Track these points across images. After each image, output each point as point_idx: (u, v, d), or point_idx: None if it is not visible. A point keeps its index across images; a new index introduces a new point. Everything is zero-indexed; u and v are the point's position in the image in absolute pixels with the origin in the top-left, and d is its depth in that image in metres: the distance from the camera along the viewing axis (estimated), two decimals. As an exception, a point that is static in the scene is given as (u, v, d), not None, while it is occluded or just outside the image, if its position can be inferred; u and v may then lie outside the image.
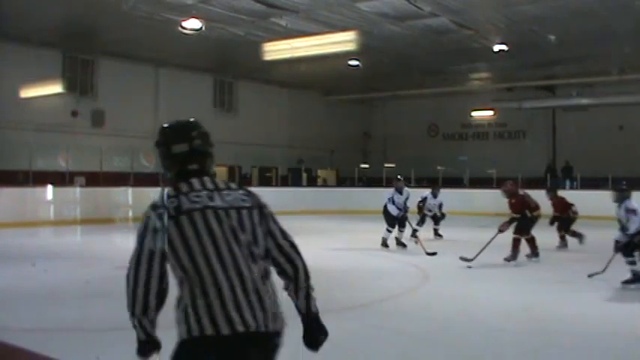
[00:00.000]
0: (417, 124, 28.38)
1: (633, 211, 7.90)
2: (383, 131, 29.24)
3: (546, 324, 5.99)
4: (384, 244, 11.62)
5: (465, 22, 15.96)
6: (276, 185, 24.54)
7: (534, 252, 10.24)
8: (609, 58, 19.49)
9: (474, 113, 26.45)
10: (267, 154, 24.34)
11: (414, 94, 25.82)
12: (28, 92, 17.36)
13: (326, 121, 26.66)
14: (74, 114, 19.08)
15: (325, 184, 26.63)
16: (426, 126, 28.90)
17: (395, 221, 11.55)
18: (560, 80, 23.05)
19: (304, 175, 25.45)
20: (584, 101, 22.68)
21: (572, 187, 21.72)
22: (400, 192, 11.60)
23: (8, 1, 14.48)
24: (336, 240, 13.68)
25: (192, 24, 15.02)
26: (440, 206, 13.63)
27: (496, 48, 18.01)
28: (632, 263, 7.87)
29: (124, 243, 12.63)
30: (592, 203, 19.75)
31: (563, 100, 23.85)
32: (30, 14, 15.29)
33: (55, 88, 18.44)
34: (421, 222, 13.28)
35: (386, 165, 24.69)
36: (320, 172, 27.34)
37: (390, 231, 11.64)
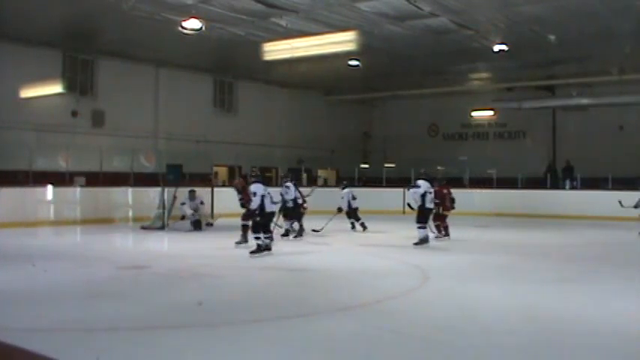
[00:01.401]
0: (417, 124, 28.39)
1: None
2: (383, 131, 29.25)
3: (546, 324, 5.99)
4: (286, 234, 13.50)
5: (465, 22, 15.95)
6: (276, 185, 24.50)
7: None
8: (609, 59, 19.49)
9: (473, 113, 26.45)
10: (267, 154, 24.34)
11: (414, 94, 25.82)
12: (28, 92, 17.37)
13: (326, 121, 26.66)
14: (74, 114, 19.07)
15: (325, 184, 26.62)
16: (426, 126, 28.90)
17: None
18: (560, 80, 23.04)
19: (304, 175, 25.44)
20: (584, 101, 22.66)
21: (572, 187, 21.74)
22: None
23: (8, 1, 14.49)
24: (336, 240, 13.67)
25: (192, 24, 15.00)
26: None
27: (496, 48, 17.99)
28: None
29: (124, 243, 12.69)
30: (592, 203, 19.84)
31: (563, 100, 23.83)
32: (30, 14, 15.29)
33: (55, 88, 18.44)
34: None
35: (386, 165, 24.70)
36: (320, 172, 27.33)
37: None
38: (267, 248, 10.46)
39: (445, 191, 13.46)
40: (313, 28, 15.98)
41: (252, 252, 10.30)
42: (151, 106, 21.18)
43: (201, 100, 22.95)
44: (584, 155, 22.39)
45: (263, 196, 10.34)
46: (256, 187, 10.36)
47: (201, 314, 6.31)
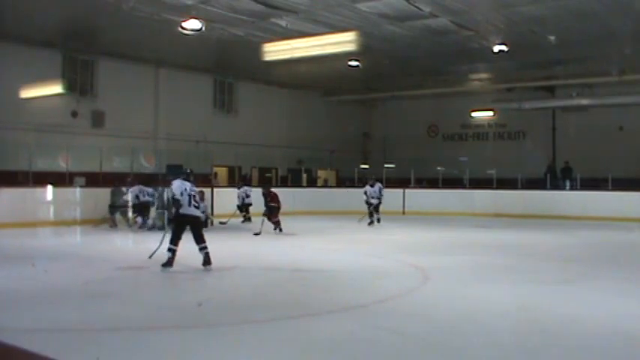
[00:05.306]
0: (417, 125, 28.39)
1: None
2: (383, 131, 29.24)
3: (546, 324, 5.99)
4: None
5: (464, 22, 15.96)
6: (276, 185, 24.51)
7: None
8: (609, 59, 19.48)
9: (473, 114, 26.46)
10: (267, 154, 24.33)
11: (414, 94, 25.84)
12: (28, 92, 17.35)
13: (326, 121, 26.66)
14: (74, 114, 19.07)
15: (325, 185, 26.64)
16: (426, 126, 28.91)
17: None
18: (560, 81, 23.05)
19: (304, 176, 25.44)
20: (584, 102, 22.68)
21: (572, 188, 21.74)
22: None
23: (8, 1, 14.49)
24: (336, 240, 13.68)
25: (192, 24, 15.00)
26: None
27: (496, 48, 17.98)
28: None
29: (124, 243, 12.67)
30: (592, 204, 19.85)
31: (563, 100, 23.84)
32: (30, 14, 15.29)
33: (55, 88, 18.42)
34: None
35: (386, 165, 24.70)
36: (320, 173, 27.34)
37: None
38: None
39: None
40: (313, 28, 15.98)
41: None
42: (151, 106, 21.17)
43: (201, 100, 22.94)
44: (584, 156, 22.39)
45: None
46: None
47: (201, 314, 6.30)
